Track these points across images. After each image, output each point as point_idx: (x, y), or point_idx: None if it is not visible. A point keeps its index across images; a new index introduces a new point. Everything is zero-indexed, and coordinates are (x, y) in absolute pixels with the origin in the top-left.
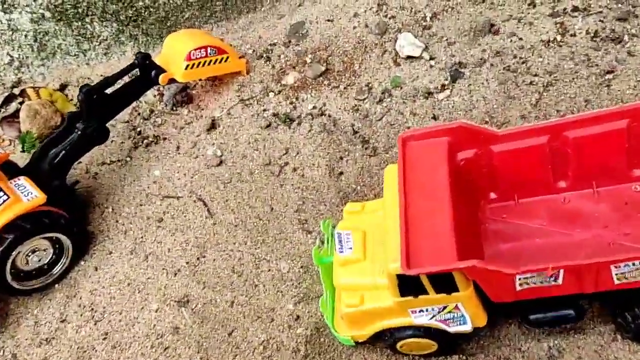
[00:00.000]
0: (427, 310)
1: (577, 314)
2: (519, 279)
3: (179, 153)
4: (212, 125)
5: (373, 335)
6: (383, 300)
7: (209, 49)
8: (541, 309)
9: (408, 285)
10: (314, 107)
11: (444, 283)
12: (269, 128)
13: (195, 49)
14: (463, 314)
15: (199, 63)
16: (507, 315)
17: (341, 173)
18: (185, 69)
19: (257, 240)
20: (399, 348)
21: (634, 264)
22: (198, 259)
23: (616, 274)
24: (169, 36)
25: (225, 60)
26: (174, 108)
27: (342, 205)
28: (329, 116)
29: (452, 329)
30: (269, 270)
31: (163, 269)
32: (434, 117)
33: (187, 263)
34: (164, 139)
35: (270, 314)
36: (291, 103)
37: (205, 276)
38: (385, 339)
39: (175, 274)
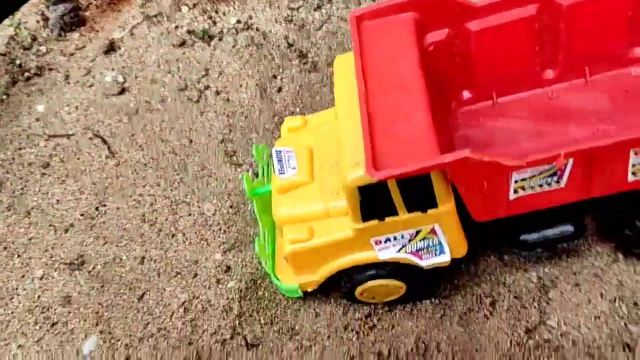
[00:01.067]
0: (394, 240)
1: (576, 230)
2: (515, 182)
3: (68, 83)
4: (111, 48)
5: (326, 280)
6: (338, 231)
7: None
8: (534, 227)
9: (372, 206)
10: (238, 21)
11: (420, 197)
12: (184, 46)
13: None
14: (440, 240)
15: None
16: (484, 248)
17: (277, 92)
18: None
19: (173, 180)
20: (358, 296)
21: None
22: (97, 209)
23: (633, 165)
24: None
25: None
26: (62, 33)
27: (278, 131)
28: (257, 29)
29: (426, 262)
30: (190, 214)
31: (50, 225)
32: None
33: (82, 215)
34: (50, 69)
35: (192, 267)
36: (210, 18)
37: (107, 229)
38: (342, 284)
39: (67, 231)
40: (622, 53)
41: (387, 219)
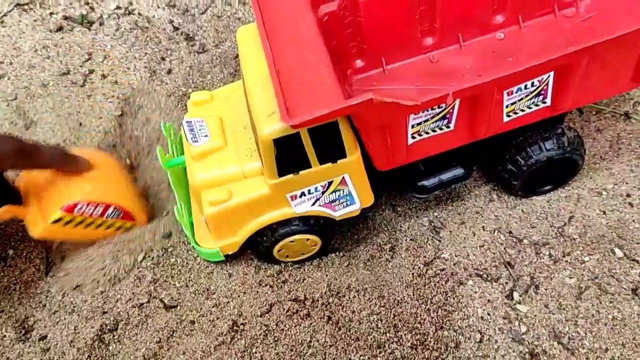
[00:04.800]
0: (309, 193)
1: (465, 172)
2: (412, 127)
3: None
4: None
5: (244, 243)
6: (256, 190)
7: (112, 208)
8: (429, 173)
9: (286, 159)
10: (118, 7)
11: (330, 148)
12: (62, 32)
13: (89, 203)
14: (350, 190)
15: (81, 222)
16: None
17: (167, 73)
18: (55, 222)
19: None
20: (276, 254)
21: (525, 87)
22: None
23: (507, 106)
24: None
25: (128, 229)
26: None
27: (174, 108)
28: (140, 14)
29: (339, 212)
30: None
31: None
32: None
33: None
34: None
35: None
36: (87, 4)
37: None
38: (262, 242)
39: None
40: (488, 20)
41: (302, 172)
